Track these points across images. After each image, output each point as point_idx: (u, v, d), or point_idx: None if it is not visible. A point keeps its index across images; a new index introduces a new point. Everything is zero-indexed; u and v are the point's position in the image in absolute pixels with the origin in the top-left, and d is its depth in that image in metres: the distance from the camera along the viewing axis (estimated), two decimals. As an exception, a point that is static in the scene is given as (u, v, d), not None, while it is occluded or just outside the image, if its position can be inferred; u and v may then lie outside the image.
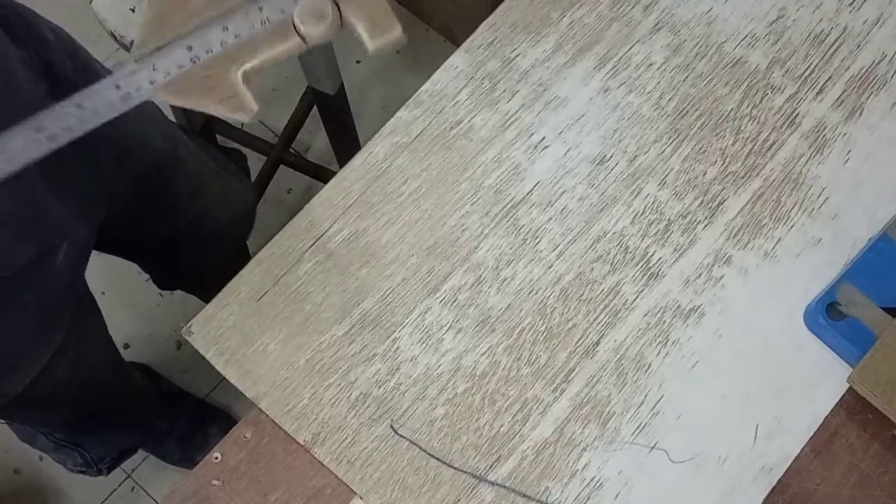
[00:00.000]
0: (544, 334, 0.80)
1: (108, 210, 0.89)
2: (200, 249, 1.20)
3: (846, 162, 0.84)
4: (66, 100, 0.54)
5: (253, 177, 1.52)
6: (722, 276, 0.81)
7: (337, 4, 0.57)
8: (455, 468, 0.76)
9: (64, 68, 0.83)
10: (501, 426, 0.77)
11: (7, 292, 0.77)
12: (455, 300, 0.81)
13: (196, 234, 1.15)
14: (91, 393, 1.04)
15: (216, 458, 0.78)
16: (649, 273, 0.81)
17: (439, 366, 0.79)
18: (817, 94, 0.87)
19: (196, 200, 1.09)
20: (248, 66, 0.57)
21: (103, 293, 1.67)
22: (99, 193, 0.87)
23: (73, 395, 1.02)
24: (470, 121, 0.86)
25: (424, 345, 0.80)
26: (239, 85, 0.57)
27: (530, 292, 0.81)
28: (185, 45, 0.55)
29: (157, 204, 1.03)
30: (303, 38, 0.57)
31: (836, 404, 0.77)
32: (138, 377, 1.36)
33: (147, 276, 1.33)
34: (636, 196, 0.84)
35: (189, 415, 1.56)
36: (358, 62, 1.85)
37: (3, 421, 1.12)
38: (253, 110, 0.57)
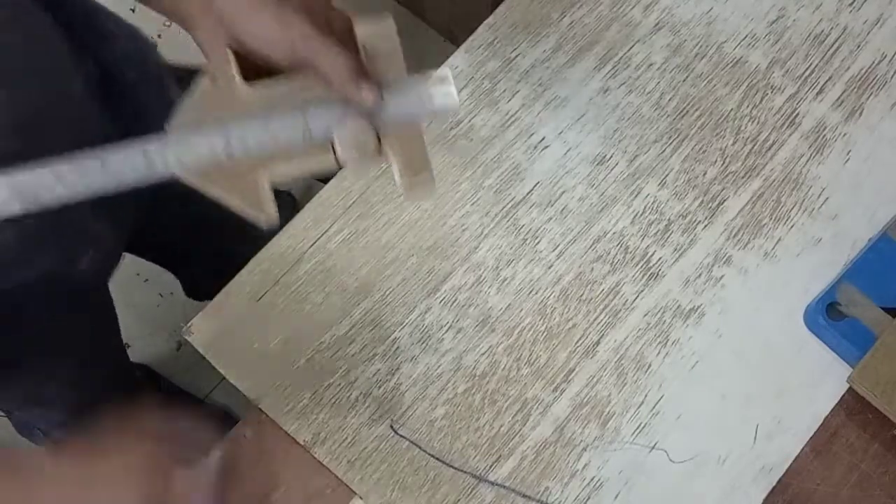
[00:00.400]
0: (544, 334, 0.80)
1: (136, 214, 0.88)
2: (228, 241, 1.19)
3: (846, 162, 0.84)
4: (90, 152, 0.53)
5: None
6: (722, 276, 0.81)
7: (378, 137, 0.56)
8: (455, 468, 0.76)
9: (123, 76, 0.82)
10: (501, 426, 0.77)
11: (30, 296, 0.77)
12: (455, 300, 0.81)
13: (222, 227, 1.14)
14: (94, 396, 1.04)
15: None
16: (649, 273, 0.81)
17: (439, 366, 0.79)
18: (817, 94, 0.87)
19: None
20: (277, 171, 0.56)
21: (103, 293, 1.67)
22: (126, 198, 0.86)
23: (77, 397, 1.02)
24: (470, 121, 0.86)
25: (424, 345, 0.80)
26: (263, 187, 0.55)
27: (530, 292, 0.81)
28: (224, 133, 0.55)
29: (182, 201, 1.03)
30: (337, 159, 0.56)
31: (836, 404, 0.77)
32: (140, 379, 1.36)
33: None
34: (636, 196, 0.84)
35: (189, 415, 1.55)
36: (358, 62, 1.84)
37: (1, 413, 1.12)
38: (271, 216, 0.56)
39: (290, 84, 0.56)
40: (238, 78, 0.55)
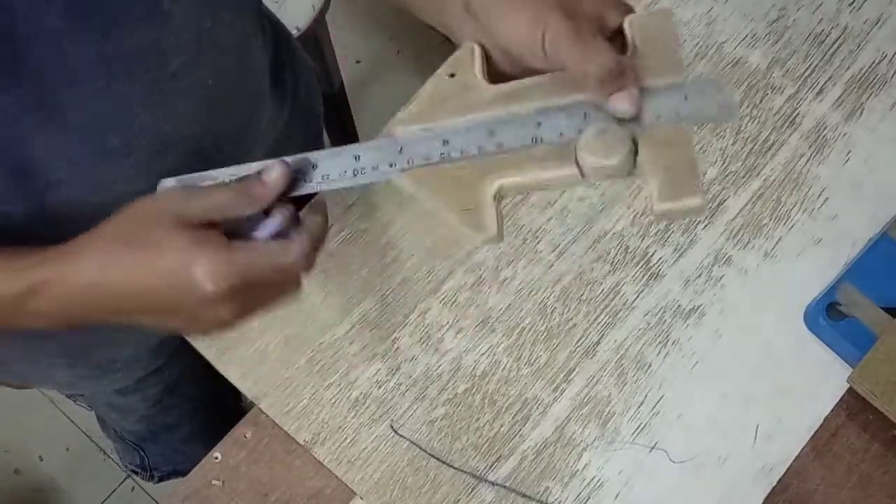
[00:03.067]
0: (544, 334, 0.80)
1: None
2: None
3: (846, 162, 0.84)
4: (302, 155, 0.52)
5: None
6: (722, 276, 0.81)
7: (635, 143, 0.48)
8: (455, 468, 0.76)
9: (282, 67, 0.82)
10: (501, 426, 0.77)
11: None
12: (455, 300, 0.81)
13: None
14: (172, 412, 1.04)
15: (216, 458, 0.78)
16: (649, 273, 0.81)
17: (439, 366, 0.79)
18: (817, 94, 0.87)
19: None
20: (506, 181, 0.49)
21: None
22: None
23: (155, 416, 1.02)
24: (470, 121, 0.86)
25: (424, 345, 0.80)
26: (487, 199, 0.49)
27: (530, 292, 0.81)
28: (442, 138, 0.50)
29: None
30: (581, 170, 0.49)
31: (836, 404, 0.77)
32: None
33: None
34: (636, 196, 0.84)
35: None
36: (358, 62, 1.85)
37: (83, 405, 1.13)
38: (492, 234, 0.49)
39: (537, 87, 0.50)
40: (479, 75, 0.51)
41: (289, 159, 0.52)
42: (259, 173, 0.51)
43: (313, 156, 0.52)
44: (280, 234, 0.51)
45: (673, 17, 0.51)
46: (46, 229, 0.57)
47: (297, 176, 0.52)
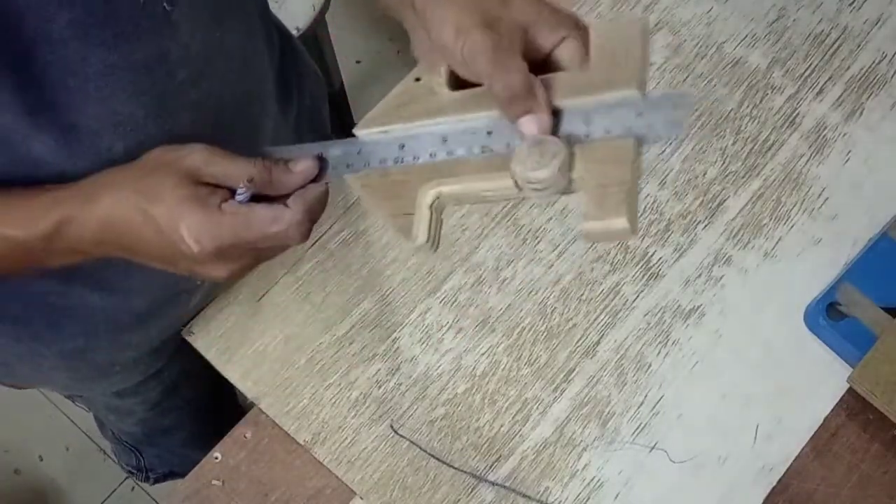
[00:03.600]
0: (544, 334, 0.80)
1: None
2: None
3: (846, 162, 0.84)
4: (277, 148, 0.52)
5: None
6: (722, 276, 0.81)
7: (573, 154, 0.47)
8: (455, 468, 0.76)
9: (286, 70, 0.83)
10: (501, 426, 0.77)
11: (145, 322, 0.78)
12: (455, 300, 0.81)
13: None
14: (171, 415, 1.04)
15: (216, 458, 0.78)
16: (649, 273, 0.81)
17: (439, 366, 0.79)
18: (817, 94, 0.87)
19: None
20: (444, 189, 0.49)
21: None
22: None
23: (153, 419, 1.03)
24: (470, 121, 0.86)
25: (424, 345, 0.80)
26: (423, 206, 0.49)
27: (530, 292, 0.81)
28: (399, 142, 0.50)
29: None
30: (516, 184, 0.48)
31: (836, 404, 0.77)
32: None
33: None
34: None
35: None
36: (358, 62, 1.85)
37: (81, 406, 1.13)
38: (421, 242, 0.49)
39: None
40: (444, 82, 0.51)
41: (271, 150, 0.53)
42: (286, 161, 0.52)
43: (285, 150, 0.53)
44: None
45: (645, 27, 0.49)
46: None
47: None
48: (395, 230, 0.50)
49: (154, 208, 0.50)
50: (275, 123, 0.77)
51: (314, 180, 0.52)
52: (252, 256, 0.53)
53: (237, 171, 0.51)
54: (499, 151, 0.49)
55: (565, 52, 0.50)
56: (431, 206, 0.50)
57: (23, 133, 0.55)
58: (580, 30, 0.50)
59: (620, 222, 0.45)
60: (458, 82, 0.51)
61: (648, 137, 0.47)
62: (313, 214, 0.52)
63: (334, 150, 0.52)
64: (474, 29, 0.48)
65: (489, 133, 0.49)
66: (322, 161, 0.52)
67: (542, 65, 0.50)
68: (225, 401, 1.08)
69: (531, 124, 0.47)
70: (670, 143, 0.85)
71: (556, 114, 0.48)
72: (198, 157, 0.51)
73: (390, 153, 0.51)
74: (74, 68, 0.53)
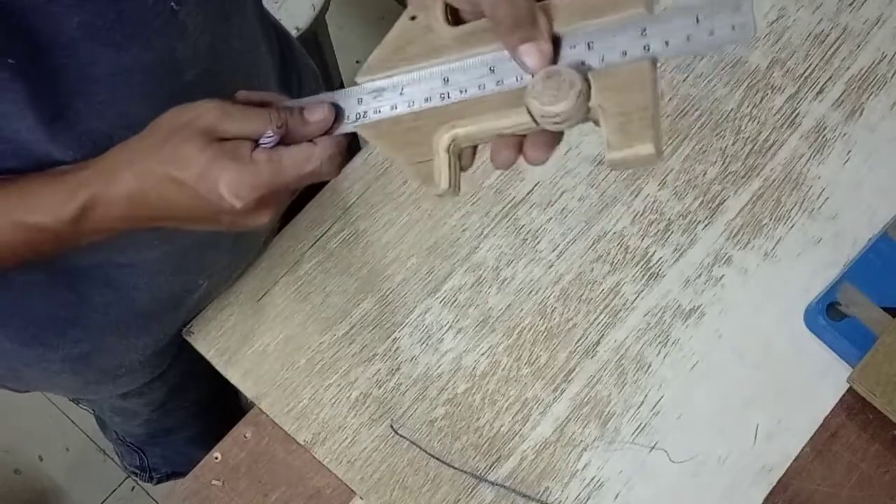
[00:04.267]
0: (544, 334, 0.80)
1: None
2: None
3: (846, 162, 0.84)
4: (293, 101, 0.52)
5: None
6: (722, 276, 0.81)
7: (588, 83, 0.45)
8: (455, 468, 0.76)
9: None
10: (501, 426, 0.77)
11: (149, 324, 0.79)
12: (455, 300, 0.81)
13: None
14: (175, 416, 1.04)
15: (216, 458, 0.78)
16: (649, 273, 0.81)
17: (439, 366, 0.79)
18: (817, 94, 0.87)
19: None
20: (460, 130, 0.48)
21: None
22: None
23: (158, 419, 1.03)
24: (470, 121, 0.86)
25: (424, 345, 0.80)
26: (440, 150, 0.48)
27: (530, 292, 0.81)
28: (399, 88, 0.49)
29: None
30: (532, 117, 0.46)
31: (836, 404, 0.77)
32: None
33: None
34: (636, 196, 0.84)
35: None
36: (358, 62, 1.85)
37: (86, 408, 1.13)
38: (442, 188, 0.48)
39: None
40: (440, 18, 0.49)
41: (279, 97, 0.52)
42: (301, 110, 0.51)
43: (295, 101, 0.53)
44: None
45: None
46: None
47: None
48: (416, 179, 0.49)
49: (185, 174, 0.49)
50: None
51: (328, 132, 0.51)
52: (289, 194, 0.53)
53: (253, 124, 0.50)
54: (509, 85, 0.47)
55: None
56: (448, 149, 0.48)
57: (39, 140, 0.55)
58: None
59: (647, 148, 0.44)
60: (455, 17, 0.50)
61: (713, 43, 0.44)
62: (341, 146, 0.52)
63: (344, 101, 0.51)
64: None
65: (492, 69, 0.48)
66: (338, 108, 0.51)
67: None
68: (228, 401, 1.08)
69: (532, 54, 0.46)
70: (671, 142, 0.85)
71: (557, 41, 0.47)
72: (212, 115, 0.50)
73: (401, 100, 0.49)
74: (85, 72, 0.53)
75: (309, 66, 0.89)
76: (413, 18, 0.50)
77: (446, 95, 0.48)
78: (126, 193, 0.52)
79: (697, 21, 0.44)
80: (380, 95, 0.50)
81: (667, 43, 0.45)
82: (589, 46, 0.46)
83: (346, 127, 0.51)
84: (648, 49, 0.45)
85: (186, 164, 0.49)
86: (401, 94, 0.49)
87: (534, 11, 0.46)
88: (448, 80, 0.49)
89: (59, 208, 0.53)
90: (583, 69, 0.46)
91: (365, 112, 0.50)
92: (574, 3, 0.47)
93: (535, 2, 0.46)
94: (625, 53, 0.45)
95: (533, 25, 0.46)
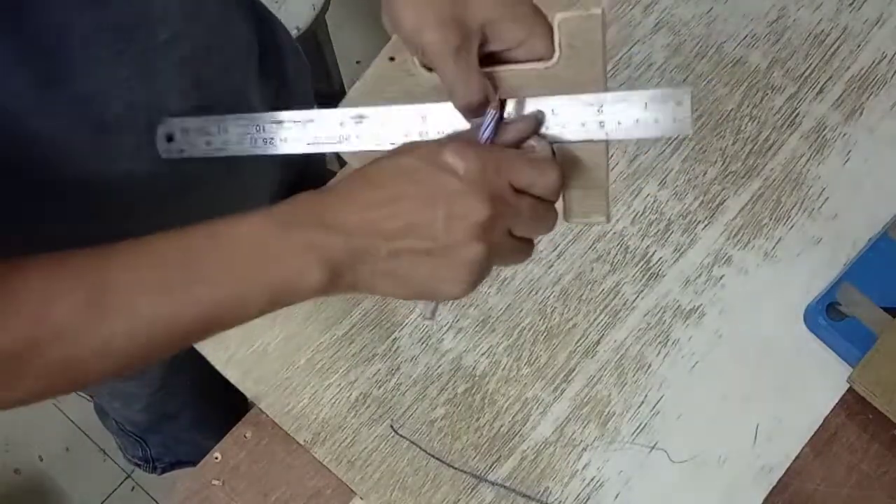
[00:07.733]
0: (544, 334, 0.80)
1: None
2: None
3: (846, 162, 0.84)
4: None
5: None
6: (722, 276, 0.81)
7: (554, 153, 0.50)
8: (455, 468, 0.76)
9: (277, 49, 0.82)
10: (501, 426, 0.77)
11: None
12: (455, 300, 0.81)
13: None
14: (174, 400, 1.04)
15: (216, 458, 0.78)
16: (649, 273, 0.81)
17: (439, 366, 0.79)
18: (817, 94, 0.87)
19: None
20: None
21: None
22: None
23: (158, 402, 1.02)
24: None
25: (424, 345, 0.80)
26: None
27: (530, 292, 0.81)
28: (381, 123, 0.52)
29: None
30: None
31: (836, 404, 0.77)
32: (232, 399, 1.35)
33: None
34: (636, 196, 0.84)
35: None
36: (358, 62, 1.85)
37: (87, 397, 1.13)
38: None
39: None
40: (418, 64, 0.52)
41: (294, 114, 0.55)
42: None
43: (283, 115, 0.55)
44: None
45: (602, 21, 0.49)
46: (48, 207, 0.58)
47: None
48: None
49: (405, 157, 0.48)
50: (261, 96, 0.77)
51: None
52: (512, 217, 0.48)
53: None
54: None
55: (527, 50, 0.51)
56: None
57: (28, 110, 0.55)
58: (542, 26, 0.50)
59: (600, 219, 0.52)
60: None
61: (656, 131, 0.49)
62: (562, 179, 0.50)
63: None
64: (429, 28, 0.49)
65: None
66: (539, 120, 0.51)
67: (504, 59, 0.51)
68: (227, 383, 1.09)
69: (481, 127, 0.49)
70: (671, 142, 0.85)
71: (522, 103, 0.51)
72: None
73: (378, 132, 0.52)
74: (62, 31, 0.53)
75: (290, 42, 0.89)
76: (392, 59, 0.53)
77: (424, 134, 0.52)
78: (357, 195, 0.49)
79: (646, 107, 0.49)
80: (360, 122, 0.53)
81: (619, 122, 0.49)
82: (559, 120, 0.50)
83: (335, 148, 0.54)
84: (603, 126, 0.50)
85: (407, 151, 0.48)
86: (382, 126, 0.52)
87: (486, 94, 0.49)
88: (426, 119, 0.52)
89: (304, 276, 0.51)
90: (550, 142, 0.50)
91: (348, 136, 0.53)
92: (537, 74, 0.50)
93: (488, 83, 0.50)
94: (583, 124, 0.50)
95: (484, 108, 0.49)
